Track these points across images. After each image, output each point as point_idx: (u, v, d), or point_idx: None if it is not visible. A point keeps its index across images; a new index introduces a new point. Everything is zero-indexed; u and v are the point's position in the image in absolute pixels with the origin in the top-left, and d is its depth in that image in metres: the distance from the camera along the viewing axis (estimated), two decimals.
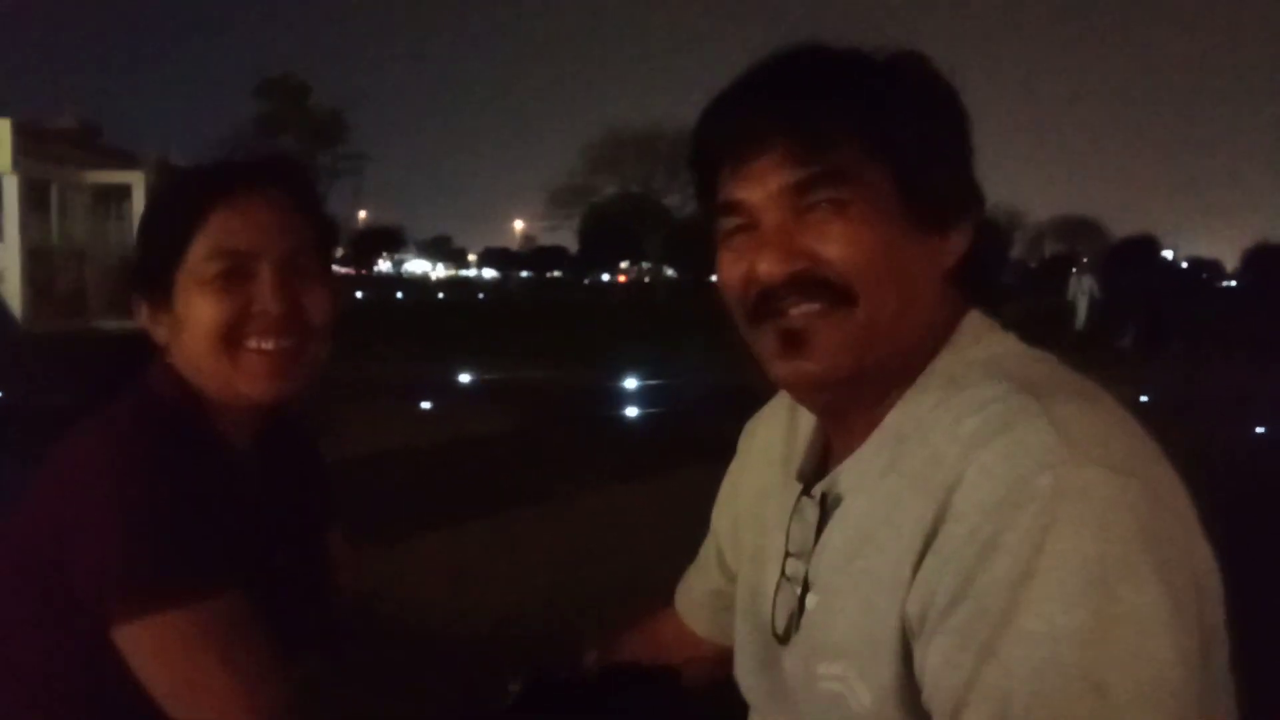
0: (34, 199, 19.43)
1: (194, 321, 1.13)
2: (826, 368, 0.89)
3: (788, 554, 0.99)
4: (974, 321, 0.93)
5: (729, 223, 0.93)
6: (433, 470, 6.57)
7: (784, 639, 0.97)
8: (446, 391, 10.33)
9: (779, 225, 0.89)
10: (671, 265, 67.34)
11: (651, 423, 9.02)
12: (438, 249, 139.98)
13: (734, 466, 1.22)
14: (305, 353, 1.16)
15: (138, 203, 20.65)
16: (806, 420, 1.06)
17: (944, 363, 0.90)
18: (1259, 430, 8.22)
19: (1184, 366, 14.10)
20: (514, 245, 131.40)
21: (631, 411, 9.37)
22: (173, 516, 1.03)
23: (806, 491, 0.97)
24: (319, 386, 1.20)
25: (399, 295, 44.83)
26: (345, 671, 1.39)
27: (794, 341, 0.89)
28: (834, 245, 0.87)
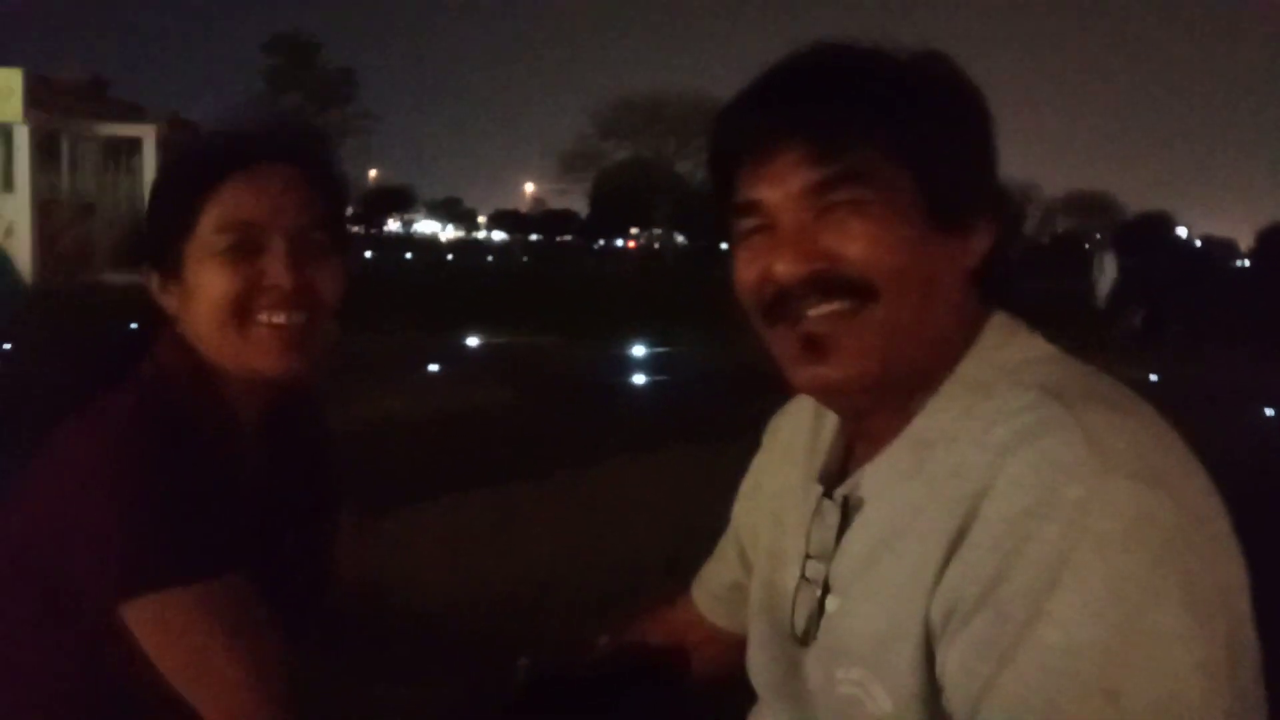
0: (44, 150, 19.38)
1: (203, 293, 1.11)
2: (848, 374, 0.88)
3: (808, 556, 0.98)
4: (1000, 324, 0.92)
5: (747, 223, 0.93)
6: (435, 440, 6.56)
7: (804, 641, 0.97)
8: (452, 357, 10.32)
9: (798, 225, 0.88)
10: (681, 232, 67.19)
11: (656, 394, 9.01)
12: (448, 210, 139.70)
13: (757, 462, 1.21)
14: (315, 327, 1.15)
15: (148, 156, 20.61)
16: (830, 420, 1.05)
17: (970, 367, 0.89)
18: (1269, 413, 8.18)
19: (1188, 349, 14.05)
20: (524, 208, 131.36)
21: (637, 380, 9.36)
22: (177, 497, 1.02)
23: (828, 494, 0.97)
24: (328, 357, 1.19)
25: (407, 256, 44.76)
26: (347, 656, 1.35)
27: (814, 346, 0.88)
28: (854, 243, 0.86)
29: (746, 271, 0.93)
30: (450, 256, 52.33)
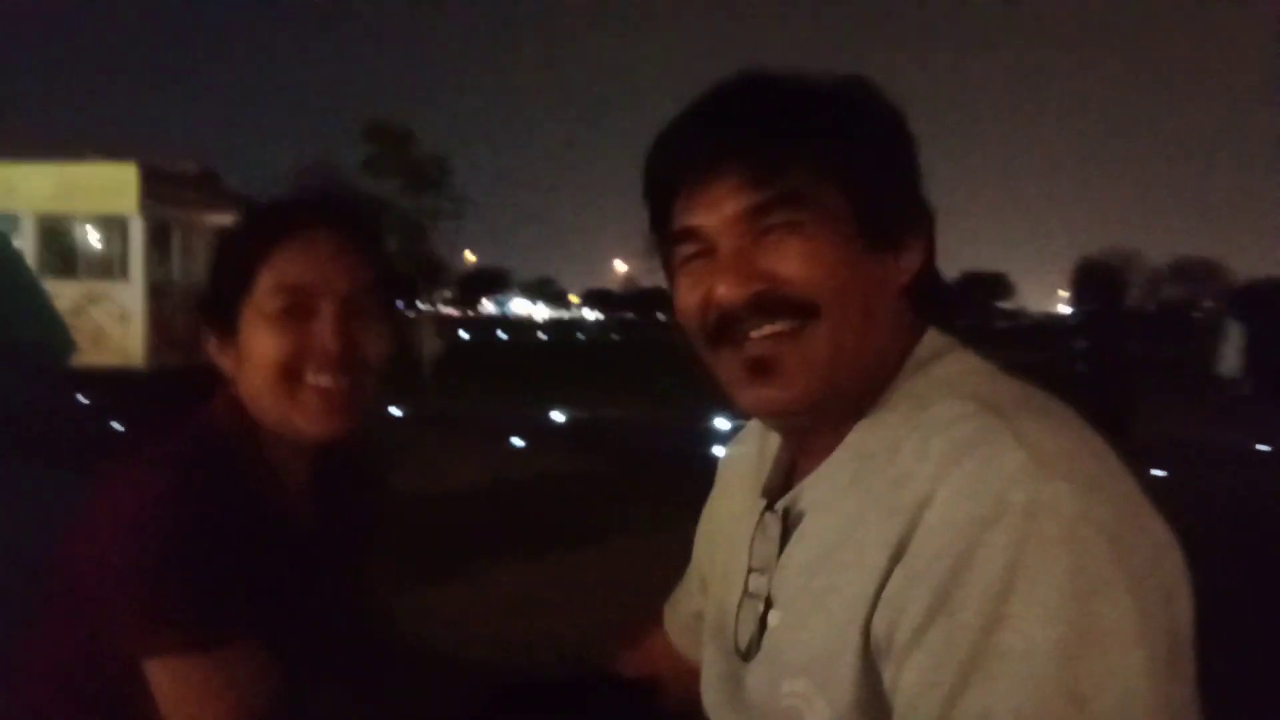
0: (157, 240, 20.47)
1: (255, 354, 1.16)
2: (793, 393, 0.90)
3: (750, 570, 0.99)
4: (934, 340, 0.95)
5: (686, 249, 0.94)
6: (515, 505, 6.60)
7: (746, 656, 0.97)
8: (539, 429, 10.41)
9: (737, 249, 0.90)
10: None
11: None
12: (541, 290, 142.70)
13: (713, 491, 1.24)
14: (360, 390, 1.18)
15: None
16: (775, 439, 1.07)
17: (907, 381, 0.91)
18: None
19: None
20: (616, 287, 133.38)
21: (720, 452, 9.23)
22: (197, 563, 1.04)
23: (770, 507, 0.98)
24: (415, 424, 1.21)
25: (501, 335, 45.74)
26: (385, 710, 1.39)
27: (759, 369, 0.90)
28: (793, 264, 0.88)
29: (688, 297, 0.94)
30: (543, 335, 53.36)
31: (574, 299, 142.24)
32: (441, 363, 17.44)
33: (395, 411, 10.12)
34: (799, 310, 0.88)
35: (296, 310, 1.16)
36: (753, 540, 0.99)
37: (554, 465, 8.34)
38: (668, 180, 0.95)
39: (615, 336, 55.48)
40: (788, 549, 0.94)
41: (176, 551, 1.04)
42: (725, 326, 0.91)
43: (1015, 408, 0.83)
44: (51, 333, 1.78)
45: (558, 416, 11.54)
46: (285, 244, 1.17)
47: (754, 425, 1.14)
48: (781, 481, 1.02)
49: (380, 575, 1.43)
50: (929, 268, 0.94)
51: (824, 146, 0.89)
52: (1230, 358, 18.37)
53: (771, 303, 0.88)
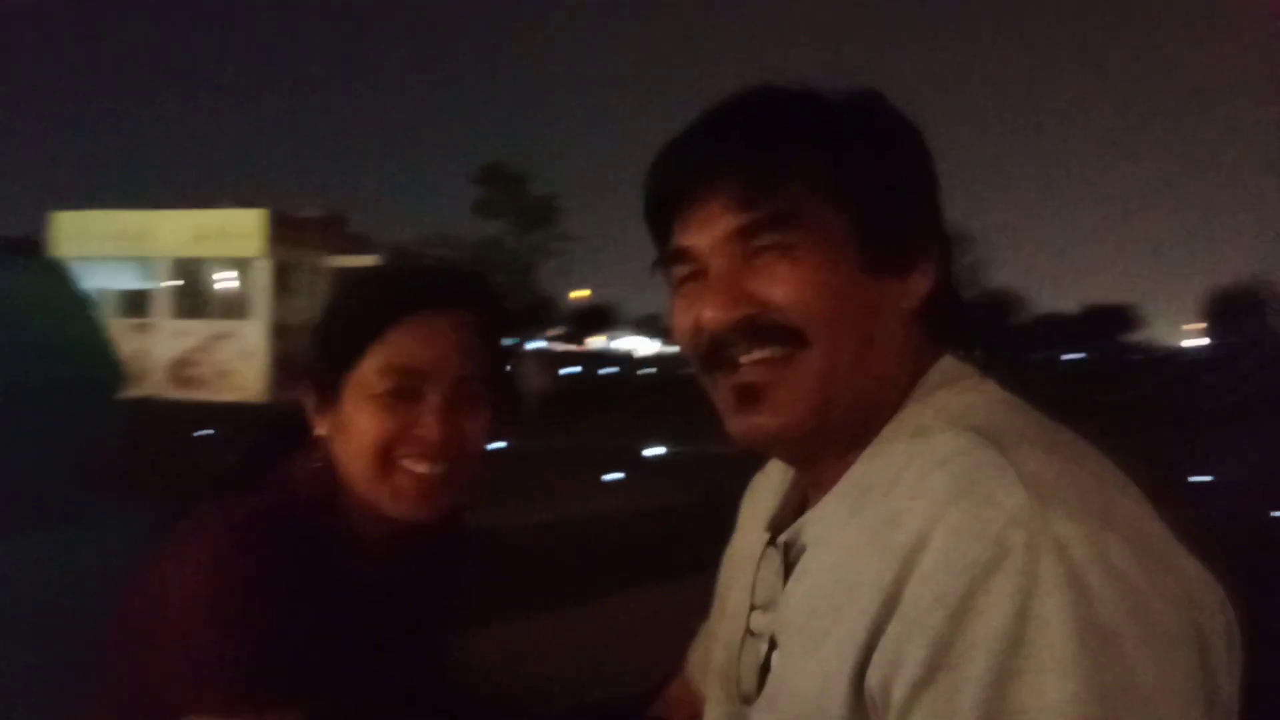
0: (282, 281, 21.44)
1: (355, 430, 1.13)
2: (783, 422, 0.85)
3: (753, 607, 0.95)
4: (946, 367, 0.89)
5: (680, 270, 0.92)
6: (609, 540, 6.64)
7: (747, 700, 0.91)
8: (636, 463, 10.44)
9: (726, 271, 0.86)
10: None
11: None
12: (650, 326, 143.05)
13: (737, 525, 1.18)
14: (458, 476, 1.15)
15: None
16: (792, 472, 1.02)
17: (912, 411, 0.86)
18: None
19: None
20: None
21: None
22: (256, 625, 1.02)
23: (773, 541, 0.94)
24: (517, 456, 1.19)
25: (608, 370, 45.91)
26: None
27: (748, 396, 0.86)
28: (781, 288, 0.84)
29: (682, 320, 0.91)
30: (651, 370, 53.22)
31: None
32: (546, 397, 17.70)
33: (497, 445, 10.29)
34: (787, 338, 0.83)
35: (403, 393, 1.12)
36: (756, 576, 0.95)
37: (649, 500, 8.36)
38: (663, 198, 0.91)
39: None
40: (789, 586, 0.88)
41: (236, 610, 1.01)
42: (716, 351, 0.87)
43: (1019, 440, 0.77)
44: (103, 368, 1.77)
45: (658, 450, 11.56)
46: (401, 323, 1.13)
47: (777, 460, 1.09)
48: (790, 514, 0.97)
49: (460, 641, 1.39)
50: (944, 291, 0.89)
51: (820, 164, 0.85)
52: None
53: (759, 329, 0.84)
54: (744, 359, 0.86)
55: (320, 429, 1.18)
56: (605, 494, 8.80)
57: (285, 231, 21.65)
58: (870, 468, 0.85)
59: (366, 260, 23.23)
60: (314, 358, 1.19)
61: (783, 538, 0.92)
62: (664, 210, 0.92)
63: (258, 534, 1.07)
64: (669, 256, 0.92)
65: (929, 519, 0.74)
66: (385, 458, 1.12)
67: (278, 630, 1.02)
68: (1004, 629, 0.67)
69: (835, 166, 0.85)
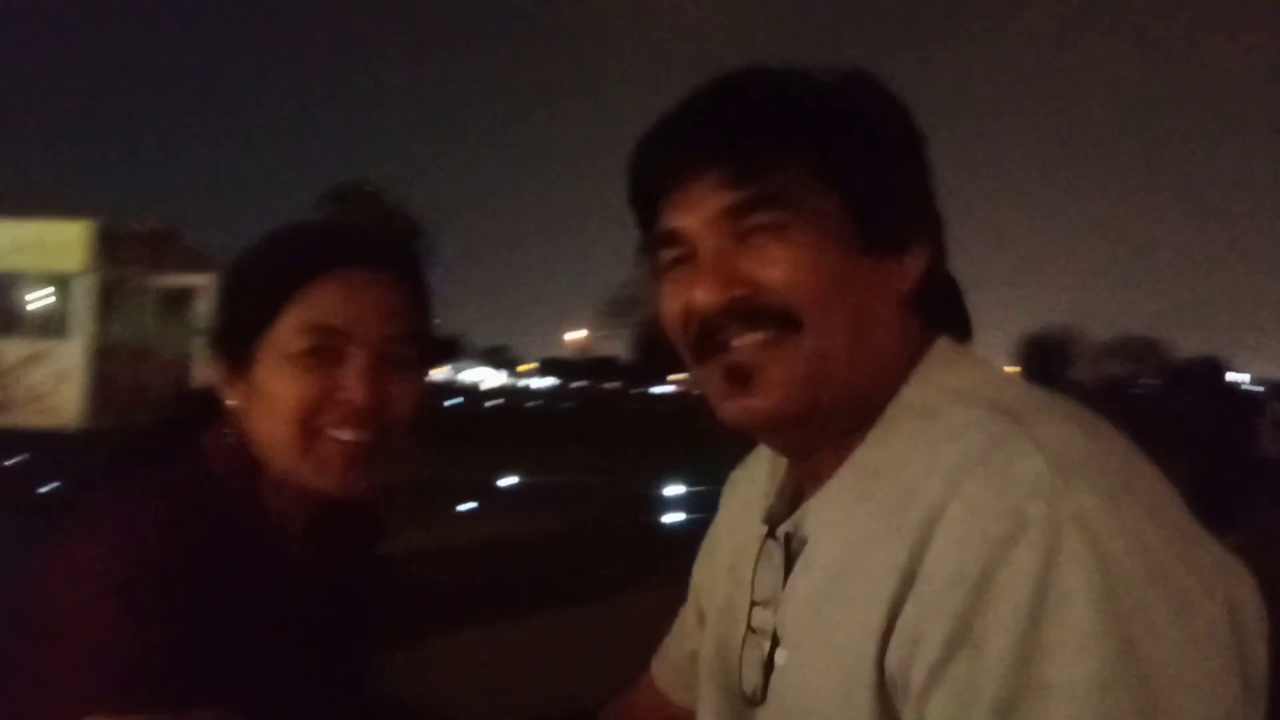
0: (106, 299, 20.17)
1: (271, 397, 1.04)
2: (776, 403, 0.83)
3: (754, 603, 0.91)
4: (944, 348, 0.88)
5: (668, 254, 0.89)
6: (465, 569, 6.51)
7: (754, 700, 0.88)
8: (489, 494, 10.30)
9: (716, 251, 0.84)
10: None
11: (691, 528, 8.86)
12: (494, 357, 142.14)
13: (715, 520, 1.14)
14: (384, 446, 1.06)
15: (203, 304, 21.32)
16: (783, 464, 0.99)
17: (913, 392, 0.84)
18: None
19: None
20: (569, 354, 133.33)
21: (672, 517, 9.23)
22: (161, 619, 0.92)
23: (771, 533, 0.90)
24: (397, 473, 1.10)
25: (454, 400, 45.35)
26: None
27: (739, 377, 0.83)
28: (773, 269, 0.82)
29: (671, 304, 0.88)
30: (497, 401, 52.90)
31: (527, 366, 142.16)
32: None
33: None
34: (780, 320, 0.81)
35: (323, 354, 1.03)
36: (755, 571, 0.92)
37: (503, 529, 8.25)
38: (650, 181, 0.89)
39: (568, 404, 55.15)
40: (792, 579, 0.85)
41: (145, 599, 0.92)
42: (707, 335, 0.84)
43: (1032, 410, 0.76)
44: None
45: (510, 480, 11.44)
46: (321, 278, 1.04)
47: (762, 450, 1.06)
48: (786, 507, 0.94)
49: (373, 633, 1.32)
50: (938, 273, 0.88)
51: (815, 144, 0.83)
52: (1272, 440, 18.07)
53: (751, 310, 0.82)
54: (736, 341, 0.83)
55: (232, 399, 1.08)
56: (457, 525, 8.62)
57: (111, 245, 20.37)
58: (873, 451, 0.84)
59: (197, 280, 22.26)
60: (223, 319, 1.09)
61: (783, 529, 0.89)
62: (651, 192, 0.89)
63: (167, 514, 0.98)
64: (656, 240, 0.89)
65: (943, 494, 0.72)
66: (307, 426, 1.03)
67: (192, 621, 0.93)
68: (1025, 604, 0.65)
69: (828, 146, 0.83)
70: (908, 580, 0.72)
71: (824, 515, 0.86)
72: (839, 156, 0.83)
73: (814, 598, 0.82)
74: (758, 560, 0.92)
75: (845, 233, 0.83)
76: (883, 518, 0.77)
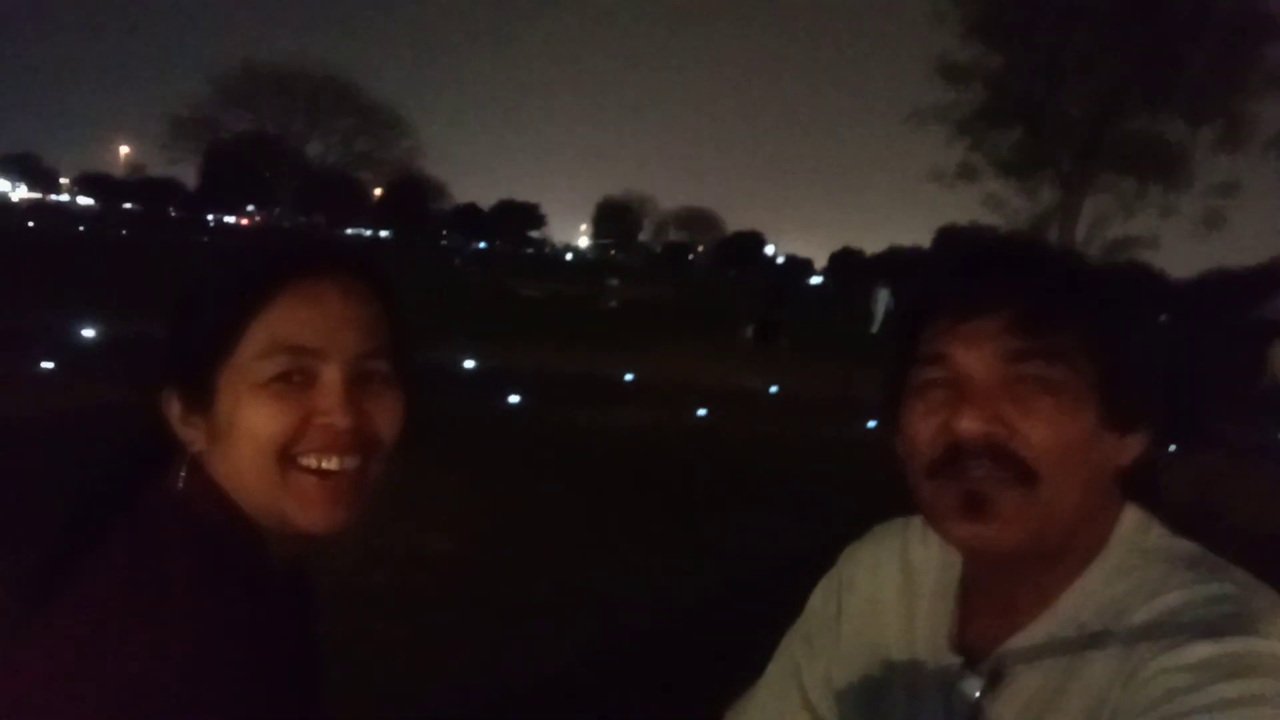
0: None
1: (241, 430, 0.93)
2: (1008, 536, 0.90)
3: None
4: (1136, 514, 0.97)
5: (930, 372, 0.94)
6: (56, 444, 5.76)
7: None
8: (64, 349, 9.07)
9: (987, 387, 0.91)
10: (306, 214, 63.76)
11: None
12: (21, 167, 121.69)
13: (831, 610, 1.16)
14: (368, 474, 0.98)
15: None
16: (927, 578, 1.07)
17: (1116, 552, 0.94)
18: (870, 425, 9.36)
19: (795, 361, 15.71)
20: (118, 172, 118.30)
21: None
22: (183, 672, 0.81)
23: (969, 665, 0.96)
24: None
25: None
26: None
27: (976, 504, 0.90)
28: (1035, 422, 0.89)
29: (922, 423, 0.94)
30: (30, 223, 45.80)
31: (64, 181, 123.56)
32: None
33: None
34: (1023, 471, 0.88)
35: (295, 377, 0.94)
36: (950, 699, 0.96)
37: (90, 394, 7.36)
38: (935, 303, 0.95)
39: (123, 231, 49.12)
40: (995, 711, 0.92)
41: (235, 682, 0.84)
42: (952, 459, 0.91)
43: (1221, 568, 0.88)
44: None
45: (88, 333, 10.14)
46: (285, 292, 0.94)
47: (881, 535, 1.14)
48: (975, 636, 0.99)
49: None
50: (1148, 455, 0.96)
51: (1091, 317, 0.92)
52: (879, 318, 19.74)
53: (1002, 451, 0.89)
54: (978, 472, 0.90)
55: (190, 439, 0.96)
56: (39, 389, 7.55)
57: None
58: (1083, 601, 0.92)
59: None
60: (175, 349, 0.97)
61: (986, 665, 0.95)
62: (935, 313, 0.96)
63: (182, 562, 0.87)
64: (922, 357, 0.95)
65: (1189, 657, 0.78)
66: (284, 458, 0.93)
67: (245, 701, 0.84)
68: None
69: (1103, 322, 0.92)
70: None
71: (1027, 656, 0.92)
72: (1108, 334, 0.92)
73: None
74: (953, 690, 0.97)
75: (1095, 404, 0.91)
76: (1083, 669, 0.86)
